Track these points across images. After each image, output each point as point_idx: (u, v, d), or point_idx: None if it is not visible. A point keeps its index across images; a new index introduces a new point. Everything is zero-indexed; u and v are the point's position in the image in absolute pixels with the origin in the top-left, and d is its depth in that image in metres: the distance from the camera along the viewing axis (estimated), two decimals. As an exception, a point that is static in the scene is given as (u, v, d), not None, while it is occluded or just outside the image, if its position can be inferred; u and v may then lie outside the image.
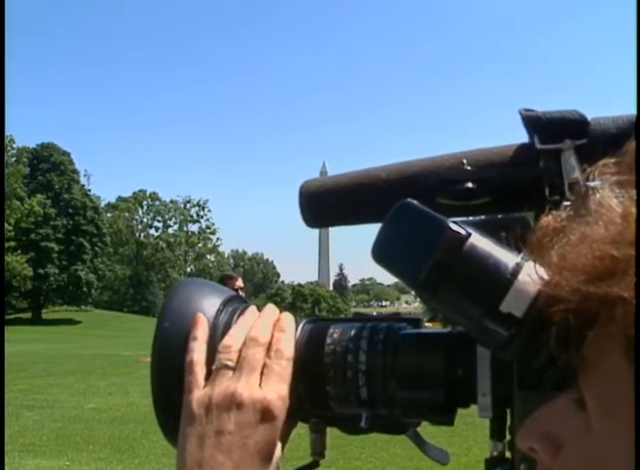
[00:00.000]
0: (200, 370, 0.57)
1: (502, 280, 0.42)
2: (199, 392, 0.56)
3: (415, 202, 0.47)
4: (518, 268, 0.43)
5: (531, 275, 0.41)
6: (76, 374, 14.01)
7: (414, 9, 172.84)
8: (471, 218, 0.61)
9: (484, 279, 0.43)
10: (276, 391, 0.56)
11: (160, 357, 0.58)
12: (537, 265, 0.39)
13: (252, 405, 0.55)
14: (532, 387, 0.52)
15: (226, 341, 0.58)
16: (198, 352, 0.57)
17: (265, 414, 0.55)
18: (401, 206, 0.48)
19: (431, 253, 0.44)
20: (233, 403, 0.55)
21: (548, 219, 0.39)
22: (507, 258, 0.44)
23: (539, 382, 0.50)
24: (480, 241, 0.44)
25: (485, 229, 0.45)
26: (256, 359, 0.57)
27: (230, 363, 0.57)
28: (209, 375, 0.57)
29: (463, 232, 0.44)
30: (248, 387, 0.55)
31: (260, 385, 0.56)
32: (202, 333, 0.58)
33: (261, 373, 0.57)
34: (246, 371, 0.56)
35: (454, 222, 0.44)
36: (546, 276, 0.38)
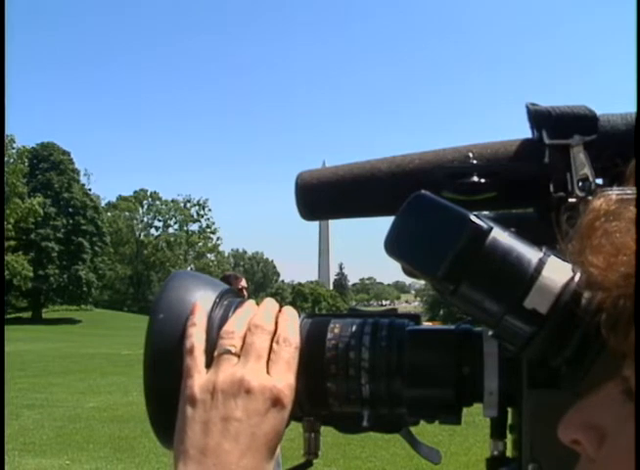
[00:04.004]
0: (200, 355, 0.55)
1: (526, 275, 0.42)
2: (201, 377, 0.54)
3: (431, 194, 0.46)
4: (541, 264, 0.42)
5: (555, 270, 0.40)
6: (76, 373, 14.00)
7: (415, 6, 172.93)
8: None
9: (508, 274, 0.42)
10: (285, 379, 0.54)
11: (154, 349, 0.56)
12: (587, 248, 0.38)
13: (262, 393, 0.53)
14: (545, 385, 0.51)
15: (228, 327, 0.56)
16: (197, 337, 0.55)
17: (275, 403, 0.53)
18: (418, 197, 0.46)
19: (452, 246, 0.43)
20: (241, 390, 0.52)
21: (600, 201, 0.38)
22: (530, 253, 0.43)
23: (553, 380, 0.49)
24: (501, 235, 0.43)
25: (500, 224, 0.44)
26: (263, 346, 0.55)
27: (233, 349, 0.54)
28: (210, 363, 0.55)
29: (485, 226, 0.43)
30: (256, 374, 0.53)
31: (268, 372, 0.54)
32: (200, 320, 0.56)
33: (267, 361, 0.55)
34: (252, 358, 0.54)
35: (475, 215, 0.43)
36: (596, 260, 0.37)
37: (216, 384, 0.53)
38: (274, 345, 0.55)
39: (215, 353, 0.55)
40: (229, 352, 0.54)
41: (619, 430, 0.38)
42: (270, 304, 0.59)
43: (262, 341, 0.55)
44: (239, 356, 0.55)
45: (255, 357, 0.54)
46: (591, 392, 0.40)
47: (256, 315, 0.57)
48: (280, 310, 0.59)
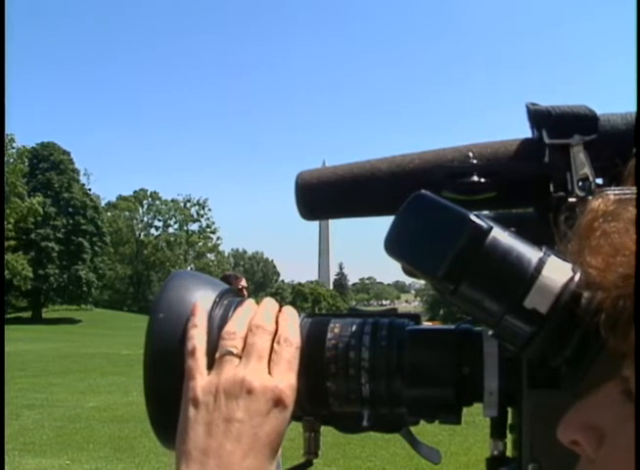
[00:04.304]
0: (202, 357, 0.55)
1: (526, 275, 0.42)
2: (203, 378, 0.54)
3: (431, 193, 0.46)
4: (541, 263, 0.42)
5: (555, 270, 0.40)
6: (76, 373, 14.00)
7: (415, 6, 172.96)
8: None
9: (508, 274, 0.42)
10: (286, 380, 0.54)
11: (154, 349, 0.56)
12: (586, 249, 0.38)
13: (263, 394, 0.53)
14: (545, 385, 0.51)
15: (229, 328, 0.56)
16: (199, 339, 0.55)
17: (277, 403, 0.53)
18: (418, 197, 0.46)
19: (452, 246, 0.43)
20: (243, 390, 0.53)
21: (598, 202, 0.38)
22: (530, 252, 0.43)
23: (553, 380, 0.49)
24: (501, 235, 0.43)
25: (500, 223, 0.44)
26: (264, 347, 0.55)
27: (235, 350, 0.55)
28: (211, 364, 0.55)
29: (485, 225, 0.43)
30: (257, 374, 0.53)
31: (270, 373, 0.54)
32: (201, 321, 0.56)
33: (269, 361, 0.55)
34: (254, 358, 0.54)
35: (475, 215, 0.43)
36: (595, 260, 0.37)
37: (218, 385, 0.53)
38: (275, 345, 0.55)
39: (217, 355, 0.55)
40: (231, 353, 0.54)
41: (619, 430, 0.37)
42: (270, 303, 0.59)
43: (263, 341, 0.55)
44: (240, 357, 0.55)
45: (257, 358, 0.54)
46: (590, 392, 0.40)
47: (257, 315, 0.57)
48: (280, 310, 0.59)
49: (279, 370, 0.54)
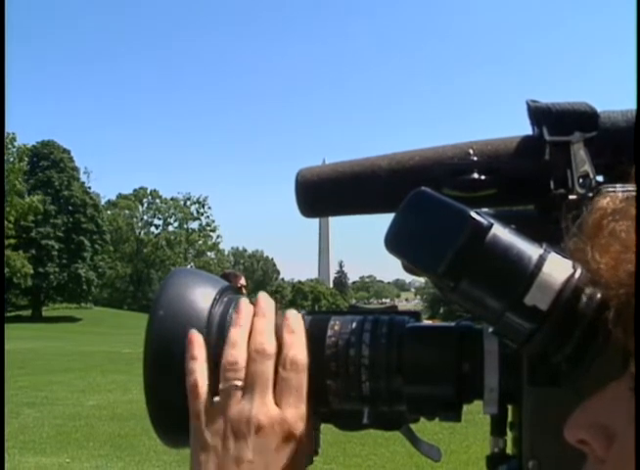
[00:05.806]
0: (204, 393, 0.53)
1: (526, 272, 0.42)
2: (209, 418, 0.52)
3: (431, 190, 0.46)
4: (542, 260, 0.42)
5: (556, 267, 0.40)
6: (76, 371, 13.99)
7: (414, 3, 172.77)
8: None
9: (508, 271, 0.42)
10: (295, 410, 0.53)
11: (154, 347, 0.56)
12: (594, 246, 0.38)
13: (272, 428, 0.51)
14: (545, 383, 0.51)
15: (230, 356, 0.54)
16: (199, 372, 0.54)
17: (287, 438, 0.52)
18: (418, 194, 0.46)
19: (452, 243, 0.42)
20: (251, 429, 0.51)
21: (606, 200, 0.38)
22: (530, 249, 0.43)
23: (554, 378, 0.49)
24: (502, 232, 0.43)
25: (500, 220, 0.44)
26: (267, 377, 0.53)
27: (239, 383, 0.53)
28: (215, 387, 0.53)
29: (485, 222, 0.43)
30: (264, 408, 0.52)
31: (277, 403, 0.53)
32: (200, 352, 0.54)
33: (275, 386, 0.53)
34: (258, 390, 0.52)
35: (476, 212, 0.43)
36: (603, 258, 0.37)
37: (226, 425, 0.52)
38: (280, 370, 0.54)
39: (221, 387, 0.53)
40: (235, 386, 0.53)
41: (630, 429, 0.37)
42: (266, 306, 0.57)
43: (266, 368, 0.53)
44: (244, 389, 0.53)
45: (261, 390, 0.53)
46: (596, 391, 0.40)
47: (255, 337, 0.55)
48: (285, 317, 0.56)
49: (287, 401, 0.53)
